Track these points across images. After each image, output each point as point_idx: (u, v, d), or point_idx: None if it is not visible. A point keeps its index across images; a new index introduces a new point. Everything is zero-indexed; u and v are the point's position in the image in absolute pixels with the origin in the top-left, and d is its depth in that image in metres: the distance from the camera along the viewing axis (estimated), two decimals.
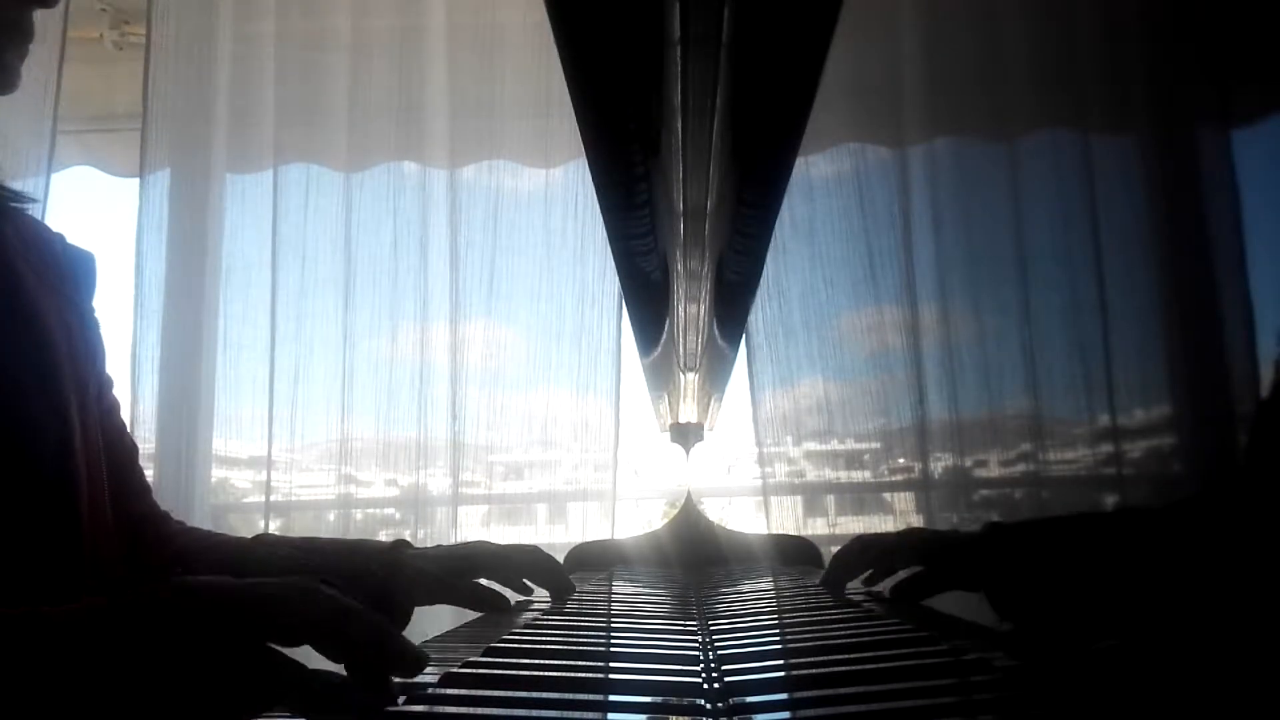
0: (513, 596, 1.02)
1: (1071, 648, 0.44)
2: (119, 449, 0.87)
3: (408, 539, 1.02)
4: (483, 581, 1.01)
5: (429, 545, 1.82)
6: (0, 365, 0.72)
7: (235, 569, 0.86)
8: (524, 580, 1.04)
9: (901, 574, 0.87)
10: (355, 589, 0.54)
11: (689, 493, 1.53)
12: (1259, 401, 0.29)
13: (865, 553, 0.96)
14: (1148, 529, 0.38)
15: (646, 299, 0.96)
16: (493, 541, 1.08)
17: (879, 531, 1.06)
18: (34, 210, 0.82)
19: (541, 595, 1.05)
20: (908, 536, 0.90)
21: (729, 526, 1.54)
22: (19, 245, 0.78)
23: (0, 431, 0.70)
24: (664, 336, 1.14)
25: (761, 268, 0.94)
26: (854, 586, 0.95)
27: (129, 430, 0.93)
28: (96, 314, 0.85)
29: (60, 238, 0.84)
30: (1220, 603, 0.32)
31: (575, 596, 1.02)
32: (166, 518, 0.93)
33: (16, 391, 0.72)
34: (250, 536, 0.98)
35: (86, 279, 0.85)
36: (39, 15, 0.77)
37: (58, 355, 0.76)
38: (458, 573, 0.97)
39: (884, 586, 0.92)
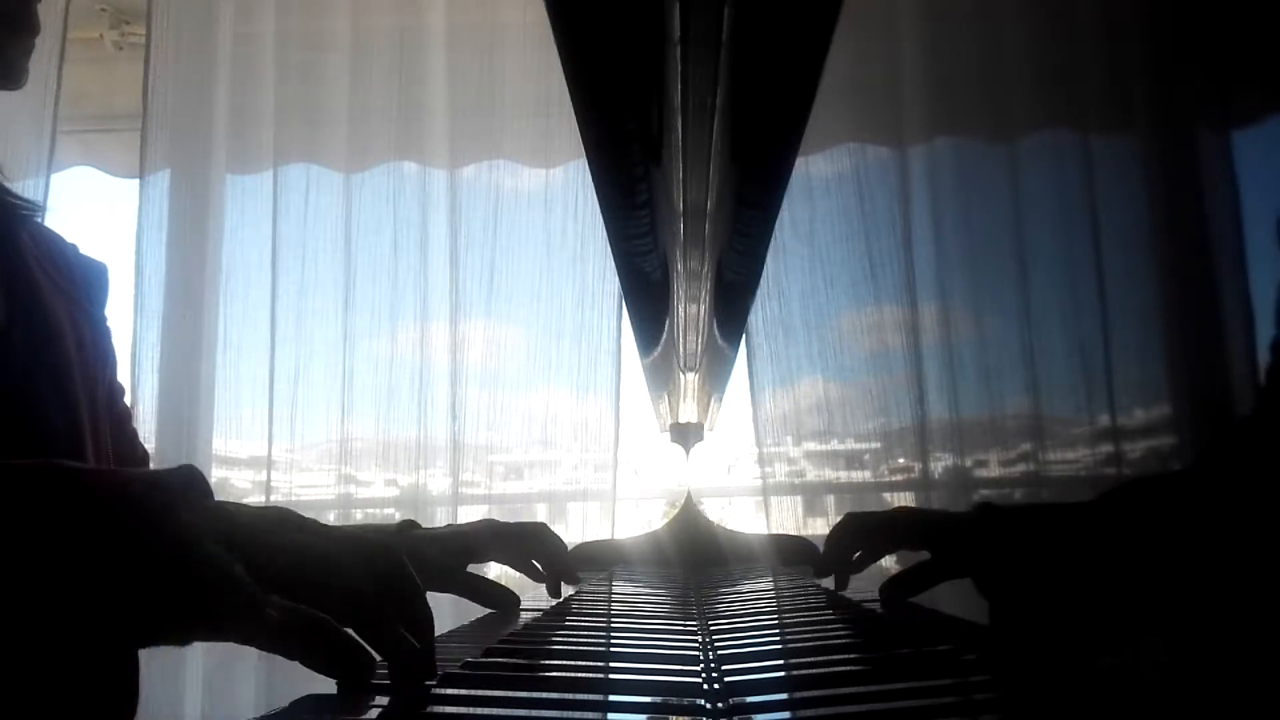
0: (518, 584, 1.01)
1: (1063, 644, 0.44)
2: (132, 455, 0.88)
3: (413, 519, 1.02)
4: (491, 567, 1.00)
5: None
6: (15, 363, 0.73)
7: None
8: (533, 562, 1.04)
9: (893, 569, 0.87)
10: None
11: (689, 493, 1.53)
12: (1257, 394, 0.29)
13: (858, 531, 0.96)
14: (1138, 515, 0.38)
15: (646, 299, 0.97)
16: (499, 520, 1.08)
17: (871, 510, 1.06)
18: (41, 218, 0.82)
19: (540, 596, 1.04)
20: (899, 515, 0.90)
21: (729, 526, 1.54)
22: (35, 251, 0.79)
23: (14, 427, 0.71)
24: (664, 336, 1.14)
25: (761, 268, 0.94)
26: (853, 586, 0.95)
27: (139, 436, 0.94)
28: (108, 322, 0.86)
29: (74, 247, 0.85)
30: (1215, 592, 0.32)
31: (575, 596, 1.02)
32: None
33: (30, 390, 0.73)
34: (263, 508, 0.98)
35: (99, 288, 0.86)
36: (40, 10, 0.77)
37: (69, 357, 0.77)
38: (458, 555, 0.97)
39: (871, 573, 0.92)
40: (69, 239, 0.86)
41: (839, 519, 1.00)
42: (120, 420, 0.87)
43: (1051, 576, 0.45)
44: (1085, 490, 0.47)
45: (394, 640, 0.49)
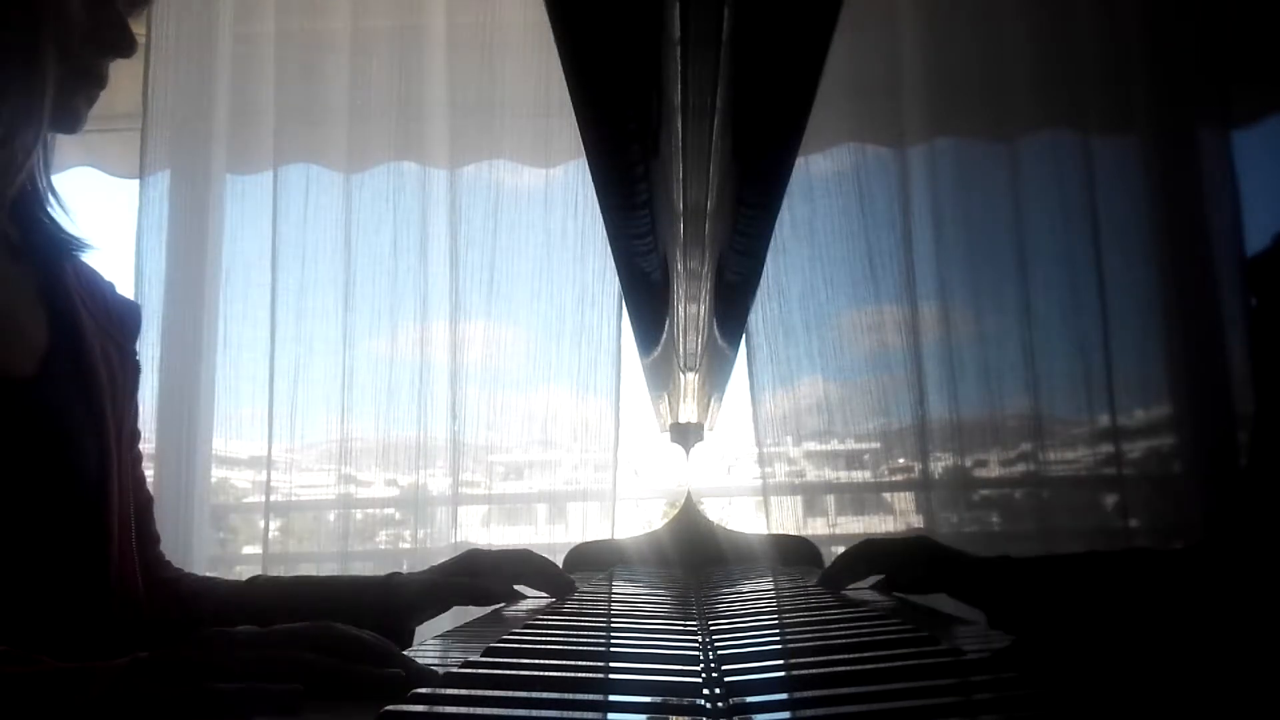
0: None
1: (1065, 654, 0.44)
2: (139, 496, 0.90)
3: (410, 548, 1.04)
4: None
5: (429, 546, 1.84)
6: (55, 387, 0.76)
7: (234, 611, 0.90)
8: (518, 588, 1.05)
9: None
10: (354, 621, 0.56)
11: (689, 493, 1.53)
12: (1258, 423, 0.29)
13: (872, 560, 0.96)
14: (1154, 572, 0.38)
15: (646, 299, 0.96)
16: (484, 549, 1.10)
17: (888, 536, 1.06)
18: (90, 257, 0.87)
19: (538, 597, 1.05)
20: (917, 549, 0.90)
21: (729, 526, 1.54)
22: (78, 286, 0.84)
23: (49, 447, 0.74)
24: (664, 336, 1.14)
25: (761, 268, 0.94)
26: (853, 586, 0.95)
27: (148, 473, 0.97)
28: (137, 357, 0.90)
29: (110, 286, 0.90)
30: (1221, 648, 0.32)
31: (575, 596, 1.02)
32: (168, 564, 0.97)
33: (68, 414, 0.76)
34: (245, 579, 1.01)
35: (133, 325, 0.90)
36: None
37: (104, 387, 0.80)
38: (450, 574, 0.99)
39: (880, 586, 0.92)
40: (106, 277, 0.90)
41: (856, 543, 1.00)
42: (135, 460, 0.90)
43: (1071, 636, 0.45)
44: (1085, 491, 0.47)
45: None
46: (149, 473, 1.81)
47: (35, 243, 0.81)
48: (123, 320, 0.89)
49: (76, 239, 0.85)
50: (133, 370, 0.89)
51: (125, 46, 0.80)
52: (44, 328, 0.78)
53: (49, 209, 0.83)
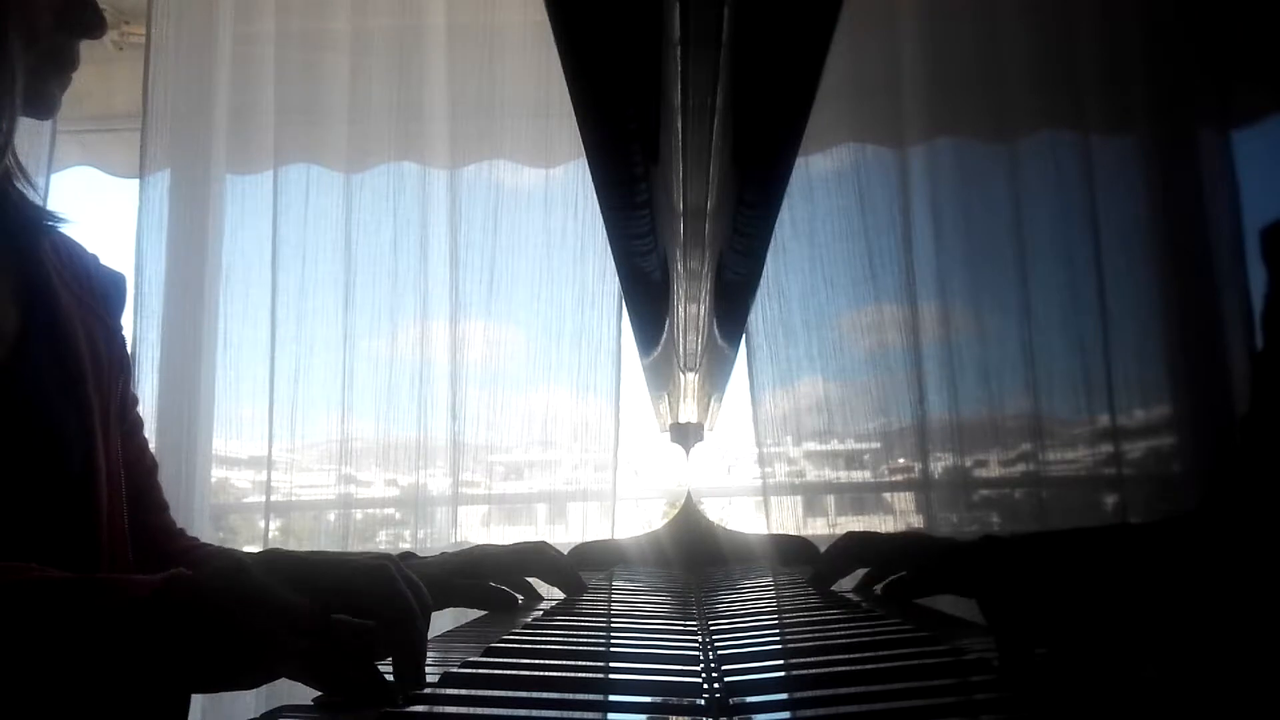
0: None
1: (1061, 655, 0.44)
2: (140, 465, 0.89)
3: (410, 549, 1.03)
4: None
5: (429, 546, 1.84)
6: (30, 371, 0.75)
7: None
8: (530, 580, 1.05)
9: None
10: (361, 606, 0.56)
11: (689, 493, 1.53)
12: (1254, 406, 0.29)
13: (861, 552, 0.96)
14: (1143, 545, 0.38)
15: (646, 299, 0.97)
16: (496, 544, 1.08)
17: (874, 531, 1.06)
18: (69, 229, 0.84)
19: (546, 596, 1.05)
20: (905, 542, 0.90)
21: (729, 526, 1.54)
22: (56, 262, 0.81)
23: (28, 434, 0.73)
24: (664, 336, 1.14)
25: (761, 268, 0.94)
26: (850, 586, 0.95)
27: (149, 446, 0.95)
28: (123, 332, 0.88)
29: (94, 258, 0.87)
30: (1216, 617, 0.32)
31: (575, 596, 1.02)
32: (181, 533, 0.95)
33: (44, 397, 0.75)
34: (260, 550, 1.00)
35: (116, 298, 0.88)
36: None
37: (84, 366, 0.78)
38: (464, 576, 0.98)
39: (877, 586, 0.92)
40: (89, 249, 0.87)
41: (839, 536, 1.00)
42: (131, 429, 0.88)
43: (1054, 607, 0.45)
44: (1085, 491, 0.46)
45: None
46: None
47: (5, 223, 0.79)
48: (106, 294, 0.86)
49: (48, 212, 0.82)
50: (119, 344, 0.86)
51: (94, 26, 0.78)
52: (15, 312, 0.76)
53: (16, 185, 0.80)
